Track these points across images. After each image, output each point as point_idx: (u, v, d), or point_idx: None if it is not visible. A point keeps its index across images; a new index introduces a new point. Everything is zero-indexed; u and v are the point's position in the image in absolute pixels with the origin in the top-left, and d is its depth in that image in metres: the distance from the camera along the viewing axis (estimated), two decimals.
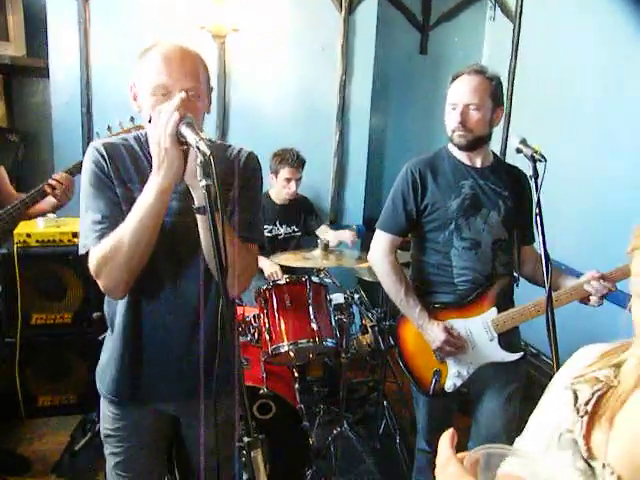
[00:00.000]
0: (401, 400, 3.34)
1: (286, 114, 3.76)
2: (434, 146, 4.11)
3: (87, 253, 1.34)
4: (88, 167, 1.38)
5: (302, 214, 3.42)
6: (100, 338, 2.68)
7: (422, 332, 2.01)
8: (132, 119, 2.18)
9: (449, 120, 1.97)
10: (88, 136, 3.47)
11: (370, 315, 3.06)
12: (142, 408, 1.52)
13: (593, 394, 0.76)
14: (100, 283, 1.33)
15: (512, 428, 2.07)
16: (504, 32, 3.91)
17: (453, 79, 1.97)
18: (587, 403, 0.76)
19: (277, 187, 3.24)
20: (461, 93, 1.92)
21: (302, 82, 3.75)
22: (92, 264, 1.31)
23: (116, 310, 1.46)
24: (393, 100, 4.27)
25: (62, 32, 3.35)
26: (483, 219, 1.98)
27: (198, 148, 1.09)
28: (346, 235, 3.29)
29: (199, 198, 1.24)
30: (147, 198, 1.25)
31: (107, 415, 1.53)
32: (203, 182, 1.07)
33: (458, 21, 4.24)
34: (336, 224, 3.88)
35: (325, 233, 3.38)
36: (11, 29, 3.25)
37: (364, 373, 3.59)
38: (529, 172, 1.67)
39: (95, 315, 2.74)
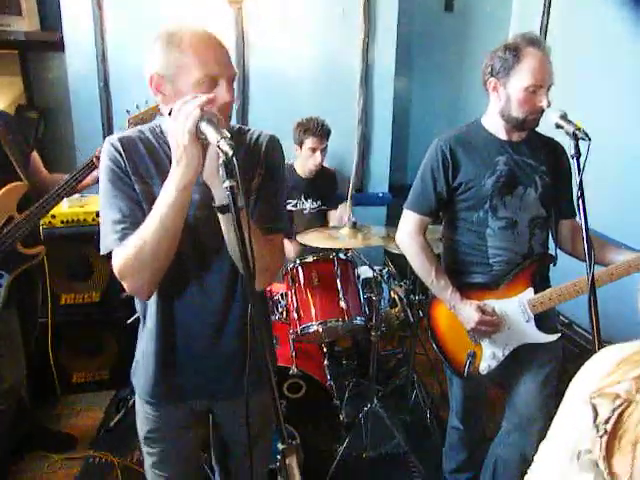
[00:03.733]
0: (430, 372, 3.32)
1: (307, 80, 3.62)
2: (461, 108, 4.05)
3: (109, 253, 1.30)
4: (105, 164, 1.32)
5: (328, 188, 3.32)
6: (128, 322, 2.74)
7: (455, 313, 1.97)
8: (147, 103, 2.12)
9: (528, 104, 1.79)
10: (107, 110, 3.41)
11: (398, 288, 3.01)
12: (177, 407, 1.50)
13: (613, 410, 0.69)
14: (125, 285, 1.30)
15: (549, 410, 2.04)
16: None
17: (518, 52, 1.77)
18: (607, 421, 0.69)
19: (302, 158, 3.14)
20: (543, 74, 1.77)
21: (323, 47, 3.59)
22: (116, 267, 1.28)
23: (147, 308, 1.44)
24: (418, 61, 4.11)
25: (75, 2, 3.24)
26: (519, 197, 1.89)
27: (219, 147, 1.04)
28: (341, 212, 3.18)
29: (219, 197, 1.20)
30: (168, 195, 1.20)
31: (143, 416, 1.52)
32: (227, 183, 1.03)
33: None
34: (362, 192, 3.80)
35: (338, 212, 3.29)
36: (23, 3, 3.15)
37: (392, 343, 3.56)
38: (570, 150, 1.57)
39: (124, 295, 2.73)
